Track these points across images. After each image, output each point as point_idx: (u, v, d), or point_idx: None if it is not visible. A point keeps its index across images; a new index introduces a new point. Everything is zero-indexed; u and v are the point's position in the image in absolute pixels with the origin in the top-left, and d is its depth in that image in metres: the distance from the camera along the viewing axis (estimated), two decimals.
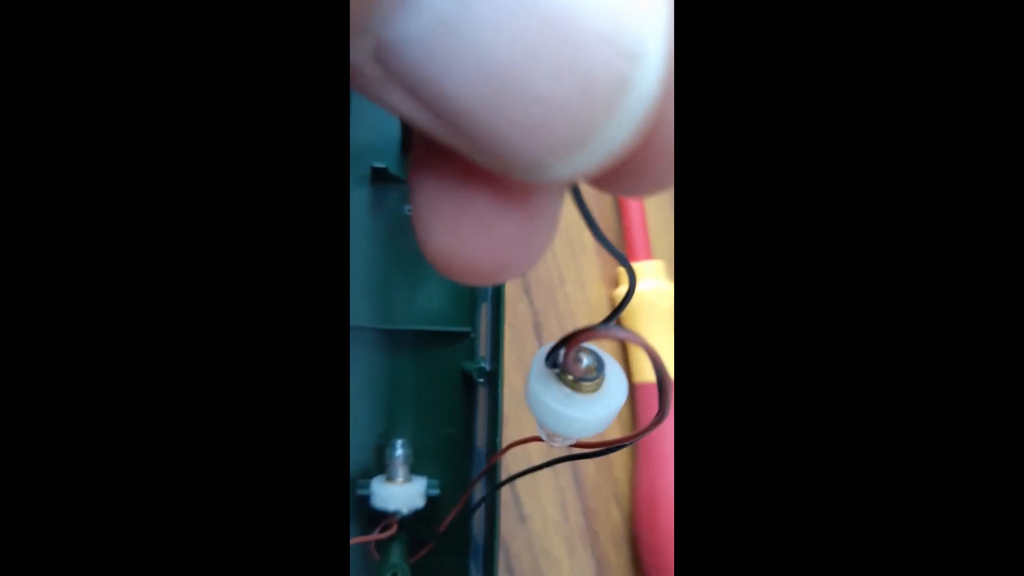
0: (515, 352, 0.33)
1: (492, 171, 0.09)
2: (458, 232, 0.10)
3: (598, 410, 0.12)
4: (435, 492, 0.26)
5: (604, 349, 0.13)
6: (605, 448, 0.15)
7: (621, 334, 0.11)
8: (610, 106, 0.08)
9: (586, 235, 0.37)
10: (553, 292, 0.35)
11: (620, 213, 0.36)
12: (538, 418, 0.13)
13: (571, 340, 0.12)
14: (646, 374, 0.34)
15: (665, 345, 0.34)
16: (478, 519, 0.26)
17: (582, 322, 0.36)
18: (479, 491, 0.27)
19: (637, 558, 0.33)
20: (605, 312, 0.35)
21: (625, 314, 0.34)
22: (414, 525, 0.25)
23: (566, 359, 0.12)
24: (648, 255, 0.34)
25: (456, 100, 0.08)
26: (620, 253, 0.12)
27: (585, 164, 0.09)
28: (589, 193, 0.12)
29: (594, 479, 0.33)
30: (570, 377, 0.13)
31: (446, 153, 0.09)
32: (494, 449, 0.25)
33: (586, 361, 0.13)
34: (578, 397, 0.12)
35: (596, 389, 0.13)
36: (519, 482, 0.33)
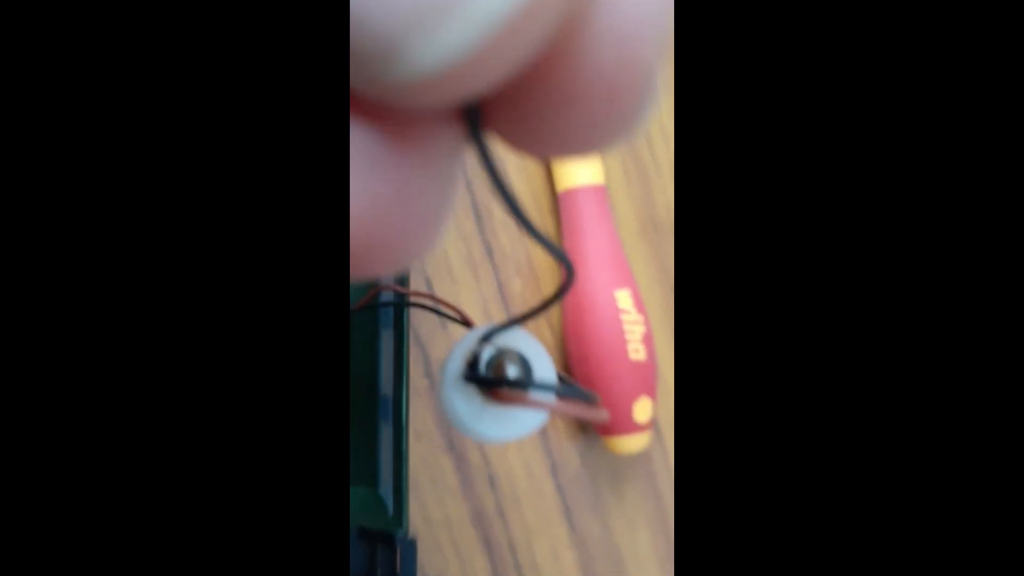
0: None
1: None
2: None
3: (513, 428, 0.12)
4: None
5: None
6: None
7: (557, 406, 0.10)
8: None
9: None
10: None
11: None
12: (449, 417, 0.13)
13: (495, 384, 0.11)
14: (567, 181, 0.33)
15: None
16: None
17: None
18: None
19: (568, 371, 0.35)
20: (546, 216, 0.33)
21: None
22: None
23: (487, 391, 0.11)
24: None
25: None
26: (550, 242, 0.10)
27: (456, 45, 0.06)
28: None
29: (520, 294, 0.33)
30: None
31: None
32: None
33: (512, 372, 0.12)
34: (492, 410, 0.12)
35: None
36: (438, 288, 0.33)
